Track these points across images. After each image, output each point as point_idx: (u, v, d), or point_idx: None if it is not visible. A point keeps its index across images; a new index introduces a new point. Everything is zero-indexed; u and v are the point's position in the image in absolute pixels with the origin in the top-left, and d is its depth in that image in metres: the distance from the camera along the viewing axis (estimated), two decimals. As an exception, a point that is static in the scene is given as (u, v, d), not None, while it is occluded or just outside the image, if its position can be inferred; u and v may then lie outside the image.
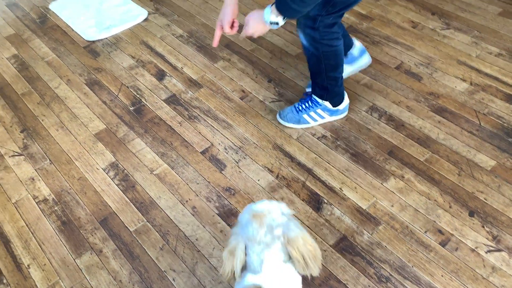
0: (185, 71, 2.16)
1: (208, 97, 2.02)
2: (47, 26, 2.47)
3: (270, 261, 0.99)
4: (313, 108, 1.80)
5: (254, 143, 1.81)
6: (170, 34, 2.38)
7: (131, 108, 1.99)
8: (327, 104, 1.79)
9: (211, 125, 1.89)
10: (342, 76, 1.75)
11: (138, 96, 2.05)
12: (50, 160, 1.80)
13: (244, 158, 1.76)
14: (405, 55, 2.13)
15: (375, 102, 1.93)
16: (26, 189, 1.71)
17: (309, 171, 1.69)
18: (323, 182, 1.65)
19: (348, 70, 1.97)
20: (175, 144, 1.83)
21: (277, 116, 1.88)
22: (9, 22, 2.51)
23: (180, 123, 1.92)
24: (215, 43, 1.55)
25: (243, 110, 1.95)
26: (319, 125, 1.85)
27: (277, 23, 1.40)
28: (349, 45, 1.94)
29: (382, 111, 1.89)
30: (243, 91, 2.04)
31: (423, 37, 2.22)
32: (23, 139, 1.89)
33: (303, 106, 1.82)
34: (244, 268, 1.02)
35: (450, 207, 1.55)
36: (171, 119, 1.93)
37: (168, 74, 2.15)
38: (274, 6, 1.37)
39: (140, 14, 2.48)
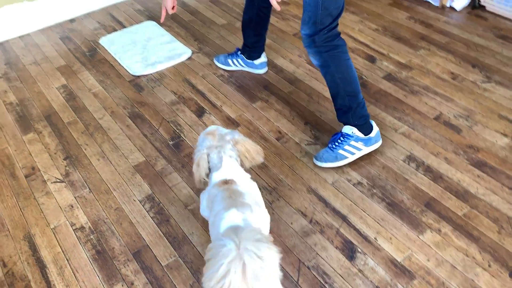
0: (224, 109, 2.21)
1: (244, 136, 2.06)
2: (96, 59, 2.60)
3: (226, 158, 1.42)
4: (346, 141, 1.84)
5: (288, 185, 1.82)
6: (211, 73, 2.46)
7: (170, 143, 2.04)
8: (358, 133, 1.83)
9: (247, 164, 1.92)
10: (361, 97, 1.82)
11: (177, 131, 2.10)
12: (89, 189, 1.86)
13: (278, 199, 1.77)
14: (444, 106, 2.13)
15: (412, 152, 1.91)
16: (65, 216, 1.76)
17: (343, 218, 1.68)
18: (357, 231, 1.63)
19: (241, 67, 2.43)
20: (211, 181, 1.86)
21: (314, 160, 1.90)
22: (61, 54, 2.65)
23: (216, 160, 1.95)
24: (162, 20, 2.14)
25: (278, 151, 1.97)
26: (355, 171, 1.84)
27: None
28: (259, 55, 2.36)
29: (420, 162, 1.87)
30: (279, 132, 2.06)
31: (463, 89, 2.21)
32: (65, 166, 1.96)
33: (336, 143, 1.85)
34: (209, 171, 1.44)
35: (489, 266, 1.50)
36: (207, 156, 1.97)
37: (207, 112, 2.21)
38: None
39: (184, 52, 2.59)
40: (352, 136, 1.83)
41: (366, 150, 1.87)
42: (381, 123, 2.06)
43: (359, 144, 1.84)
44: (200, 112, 2.20)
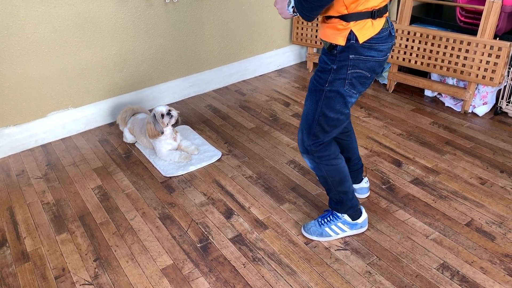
0: (252, 211, 2.24)
1: (273, 239, 2.06)
2: (130, 161, 2.73)
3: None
4: (334, 221, 2.01)
5: (318, 293, 1.77)
6: (240, 175, 2.53)
7: (198, 245, 2.05)
8: (346, 217, 1.99)
9: (275, 270, 1.89)
10: (352, 190, 1.95)
11: (206, 233, 2.12)
12: (116, 292, 1.85)
13: (308, 309, 1.71)
14: (475, 212, 2.10)
15: (446, 260, 1.86)
16: (90, 321, 1.73)
17: (377, 332, 1.60)
18: None
19: None
20: (238, 287, 1.83)
21: (302, 229, 2.08)
22: (99, 156, 2.80)
23: (244, 264, 1.93)
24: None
25: (307, 256, 1.95)
26: (388, 280, 1.79)
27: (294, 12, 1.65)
28: (357, 180, 2.22)
29: (454, 271, 1.81)
30: (308, 236, 2.06)
31: (493, 195, 2.20)
32: (95, 268, 1.97)
33: (325, 220, 2.03)
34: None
35: None
36: (235, 260, 1.96)
37: (235, 213, 2.23)
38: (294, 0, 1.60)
39: (215, 155, 2.70)
40: (340, 218, 2.01)
41: (350, 232, 2.03)
42: (411, 228, 2.04)
43: (345, 227, 2.01)
44: (228, 214, 2.23)
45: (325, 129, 1.76)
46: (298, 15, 1.61)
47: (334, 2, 1.54)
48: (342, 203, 1.95)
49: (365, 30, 1.57)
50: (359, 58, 1.61)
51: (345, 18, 1.56)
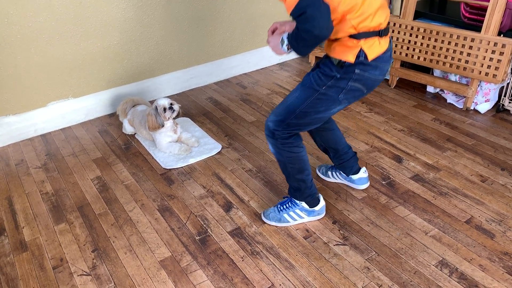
0: (251, 204, 2.24)
1: (271, 233, 2.05)
2: (130, 152, 2.72)
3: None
4: (292, 208, 2.06)
5: (316, 288, 1.77)
6: (240, 168, 2.52)
7: (196, 238, 2.05)
8: (304, 205, 2.05)
9: (273, 263, 1.89)
10: (310, 179, 2.00)
11: (204, 226, 2.12)
12: (114, 283, 1.84)
13: (306, 303, 1.70)
14: (475, 209, 2.10)
15: (445, 257, 1.86)
16: (88, 311, 1.73)
17: (374, 327, 1.60)
18: None
19: (341, 180, 2.33)
20: (236, 280, 1.82)
21: (262, 215, 2.14)
22: (98, 146, 2.79)
23: (242, 258, 1.93)
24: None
25: (306, 251, 1.94)
26: (386, 275, 1.79)
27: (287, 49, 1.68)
28: (353, 170, 2.22)
29: (452, 268, 1.80)
30: (307, 230, 2.05)
31: (493, 192, 2.19)
32: (93, 259, 1.97)
33: (284, 206, 2.08)
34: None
35: None
36: (234, 253, 1.95)
37: (235, 206, 2.23)
38: (288, 39, 1.63)
39: (215, 147, 2.69)
40: (298, 205, 2.06)
41: (307, 219, 2.09)
42: (410, 225, 2.03)
43: (303, 214, 2.07)
44: (227, 207, 2.23)
45: (300, 123, 1.82)
46: (293, 51, 1.65)
47: (341, 25, 1.59)
48: (300, 190, 2.01)
49: (374, 48, 1.63)
50: (364, 75, 1.67)
51: (355, 36, 1.61)
